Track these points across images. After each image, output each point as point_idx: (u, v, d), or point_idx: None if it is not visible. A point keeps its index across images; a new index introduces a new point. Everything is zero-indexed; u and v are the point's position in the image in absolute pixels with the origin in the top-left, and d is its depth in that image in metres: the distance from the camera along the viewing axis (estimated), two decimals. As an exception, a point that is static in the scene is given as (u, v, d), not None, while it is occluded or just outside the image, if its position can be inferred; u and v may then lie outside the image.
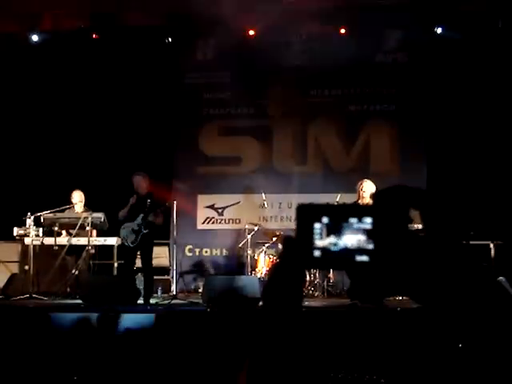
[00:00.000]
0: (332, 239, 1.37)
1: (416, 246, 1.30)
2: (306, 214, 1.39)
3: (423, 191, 1.34)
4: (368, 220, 1.36)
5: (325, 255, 1.37)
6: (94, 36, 15.27)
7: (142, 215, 11.65)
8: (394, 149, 14.94)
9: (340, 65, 14.80)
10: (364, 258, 1.35)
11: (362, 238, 1.36)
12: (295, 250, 1.39)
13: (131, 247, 11.66)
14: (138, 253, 12.02)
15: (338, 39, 14.80)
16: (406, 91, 14.83)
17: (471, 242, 12.89)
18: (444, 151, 14.26)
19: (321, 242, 1.37)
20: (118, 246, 13.67)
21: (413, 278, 1.29)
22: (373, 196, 1.41)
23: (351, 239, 1.37)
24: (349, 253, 1.36)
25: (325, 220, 1.38)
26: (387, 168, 14.71)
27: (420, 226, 1.34)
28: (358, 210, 1.38)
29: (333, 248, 1.37)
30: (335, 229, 1.38)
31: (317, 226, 1.38)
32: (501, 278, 11.08)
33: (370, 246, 1.34)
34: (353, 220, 1.37)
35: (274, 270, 1.42)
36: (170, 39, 15.26)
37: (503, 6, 13.82)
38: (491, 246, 13.04)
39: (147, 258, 11.83)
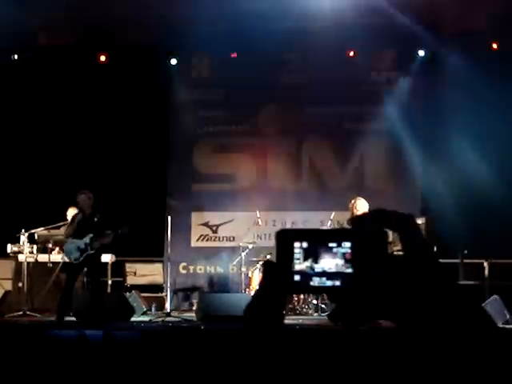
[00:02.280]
0: (310, 263, 1.38)
1: (395, 269, 1.31)
2: (286, 239, 1.40)
3: (401, 214, 1.35)
4: (347, 244, 1.36)
5: (304, 280, 1.37)
6: (89, 54, 15.28)
7: (90, 235, 11.48)
8: (388, 166, 14.97)
9: (335, 83, 14.85)
10: (343, 282, 1.35)
11: (340, 262, 1.36)
12: (275, 275, 1.39)
13: (74, 264, 11.48)
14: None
15: (334, 58, 14.87)
16: (401, 109, 14.85)
17: (465, 261, 12.94)
18: (439, 168, 14.27)
19: (300, 266, 1.37)
20: (112, 264, 13.67)
21: (393, 301, 1.30)
22: (350, 221, 1.41)
23: (329, 263, 1.37)
24: (328, 277, 1.36)
25: (304, 245, 1.38)
26: (382, 185, 14.74)
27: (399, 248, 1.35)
28: (337, 235, 1.39)
29: (311, 272, 1.37)
30: (314, 253, 1.38)
31: (296, 250, 1.38)
32: (495, 296, 11.11)
33: (349, 270, 1.35)
34: (332, 245, 1.37)
35: (255, 295, 1.42)
36: (171, 60, 15.30)
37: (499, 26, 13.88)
38: (485, 264, 13.05)
39: (95, 276, 11.64)
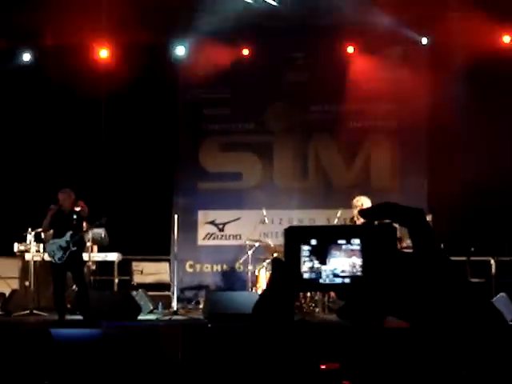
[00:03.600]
0: (321, 261, 1.37)
1: (405, 266, 1.31)
2: (295, 237, 1.39)
3: (411, 208, 1.35)
4: (356, 241, 1.36)
5: (314, 278, 1.36)
6: (95, 52, 15.29)
7: (70, 232, 11.56)
8: (394, 165, 14.96)
9: (341, 81, 14.85)
10: (353, 280, 1.35)
11: (357, 261, 1.36)
12: (284, 273, 1.39)
13: (58, 264, 11.53)
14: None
15: (339, 56, 14.87)
16: (407, 107, 14.84)
17: (472, 258, 12.92)
18: (445, 167, 14.25)
19: (309, 264, 1.37)
20: (119, 262, 13.69)
21: (402, 298, 1.30)
22: (360, 213, 1.41)
23: (343, 263, 1.36)
24: (338, 274, 1.35)
25: (313, 242, 1.38)
26: (387, 184, 14.74)
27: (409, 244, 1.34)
28: (347, 232, 1.38)
29: (322, 270, 1.37)
30: (324, 251, 1.37)
31: (305, 248, 1.37)
32: (502, 293, 11.10)
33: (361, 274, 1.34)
34: (341, 242, 1.37)
35: (263, 293, 1.42)
36: (175, 55, 15.29)
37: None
38: (492, 261, 13.03)
39: (79, 275, 11.71)
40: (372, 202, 11.28)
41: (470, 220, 13.38)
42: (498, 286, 12.23)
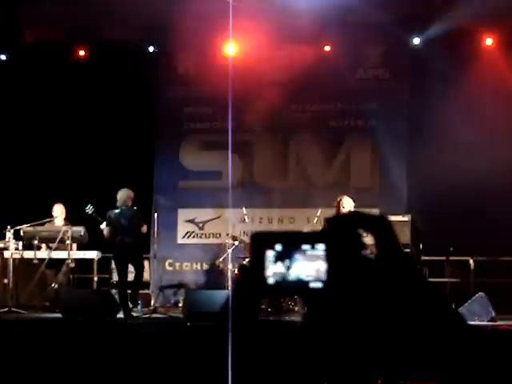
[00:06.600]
0: (286, 267, 1.37)
1: (369, 271, 1.32)
2: (261, 242, 1.39)
3: (377, 216, 1.36)
4: (321, 247, 1.36)
5: (279, 283, 1.36)
6: (76, 50, 15.24)
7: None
8: (374, 164, 14.98)
9: (321, 80, 14.86)
10: (318, 285, 1.35)
11: (320, 266, 1.36)
12: (250, 279, 1.39)
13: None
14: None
15: (319, 56, 14.85)
16: (387, 107, 14.87)
17: (451, 258, 12.98)
18: (425, 166, 14.29)
19: (274, 269, 1.37)
20: (98, 260, 13.64)
21: (365, 304, 1.31)
22: (326, 222, 1.42)
23: (308, 267, 1.36)
24: (303, 279, 1.36)
25: (278, 248, 1.38)
26: (368, 183, 14.77)
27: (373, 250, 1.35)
28: (311, 237, 1.38)
29: (286, 275, 1.37)
30: (289, 256, 1.38)
31: (270, 253, 1.37)
32: (480, 293, 11.15)
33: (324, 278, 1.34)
34: (306, 247, 1.37)
35: (229, 298, 1.43)
36: (151, 50, 15.26)
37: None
38: (471, 261, 13.08)
39: None
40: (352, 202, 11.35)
41: (449, 219, 13.42)
42: (476, 286, 12.28)
